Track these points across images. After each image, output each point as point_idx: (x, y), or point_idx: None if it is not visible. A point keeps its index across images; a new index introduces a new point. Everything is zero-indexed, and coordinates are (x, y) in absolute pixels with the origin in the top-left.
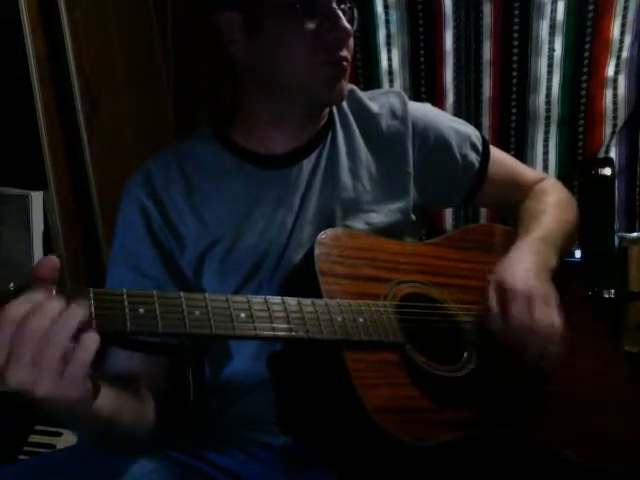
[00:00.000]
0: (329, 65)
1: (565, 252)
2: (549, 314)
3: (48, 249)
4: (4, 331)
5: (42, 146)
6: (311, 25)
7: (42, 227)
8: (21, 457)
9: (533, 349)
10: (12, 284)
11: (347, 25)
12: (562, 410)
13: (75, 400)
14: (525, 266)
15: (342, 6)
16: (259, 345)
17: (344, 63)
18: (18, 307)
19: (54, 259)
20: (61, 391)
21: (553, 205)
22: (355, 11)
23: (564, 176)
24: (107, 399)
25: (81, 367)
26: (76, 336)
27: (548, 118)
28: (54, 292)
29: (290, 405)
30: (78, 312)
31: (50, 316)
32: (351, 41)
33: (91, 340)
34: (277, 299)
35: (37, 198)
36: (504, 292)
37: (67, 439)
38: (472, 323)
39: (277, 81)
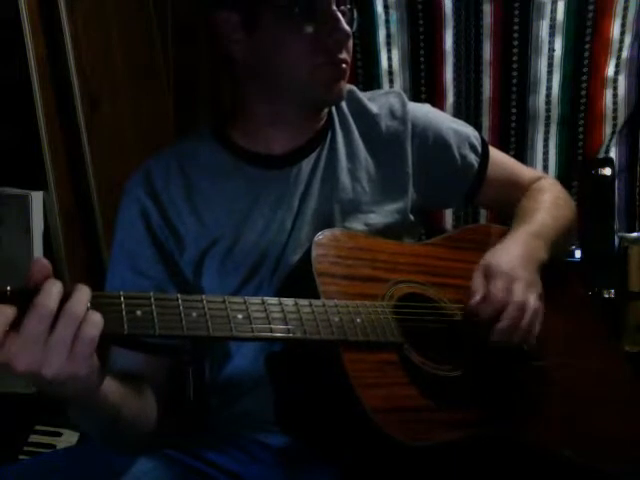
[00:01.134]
0: (328, 67)
1: (561, 249)
2: (528, 296)
3: (48, 249)
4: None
5: (42, 146)
6: (310, 27)
7: (42, 227)
8: (21, 457)
9: (505, 328)
10: (9, 287)
11: (346, 27)
12: (562, 410)
13: (84, 377)
14: (512, 255)
15: (342, 8)
16: (259, 345)
17: (343, 65)
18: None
19: (44, 261)
20: (70, 369)
21: (548, 203)
22: (355, 12)
23: (564, 176)
24: (113, 387)
25: (89, 343)
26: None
27: (548, 118)
28: None
29: (289, 405)
30: (84, 294)
31: (56, 298)
32: (350, 43)
33: (96, 317)
34: (274, 300)
35: (37, 198)
36: (488, 273)
37: (67, 439)
38: (462, 313)
39: (276, 81)
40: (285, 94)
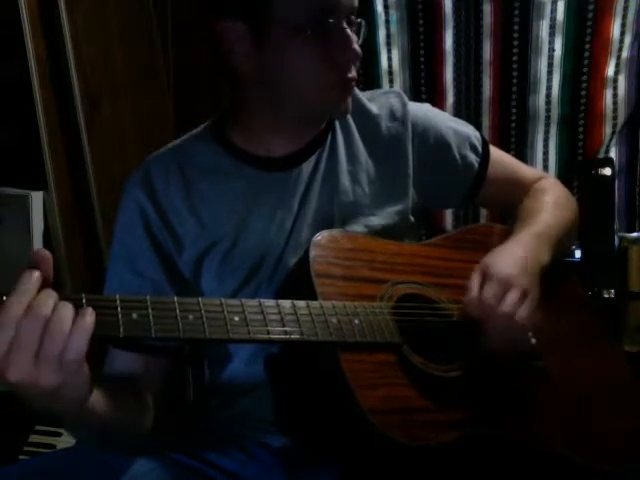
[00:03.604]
0: (338, 86)
1: (563, 249)
2: (521, 305)
3: (48, 249)
4: (2, 328)
5: (42, 146)
6: (321, 46)
7: (42, 227)
8: (21, 457)
9: (496, 335)
10: (4, 297)
11: (357, 48)
12: (562, 410)
13: (75, 386)
14: (514, 257)
15: (352, 27)
16: (258, 346)
17: (352, 83)
18: (16, 305)
19: (45, 252)
20: (61, 377)
21: (550, 203)
22: (363, 25)
23: (564, 176)
24: (101, 397)
25: (78, 350)
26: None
27: (548, 118)
28: None
29: (288, 406)
30: (51, 296)
31: (47, 309)
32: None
33: (86, 322)
34: (271, 302)
35: (37, 198)
36: (485, 274)
37: (67, 439)
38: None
39: (282, 95)
40: (289, 107)
